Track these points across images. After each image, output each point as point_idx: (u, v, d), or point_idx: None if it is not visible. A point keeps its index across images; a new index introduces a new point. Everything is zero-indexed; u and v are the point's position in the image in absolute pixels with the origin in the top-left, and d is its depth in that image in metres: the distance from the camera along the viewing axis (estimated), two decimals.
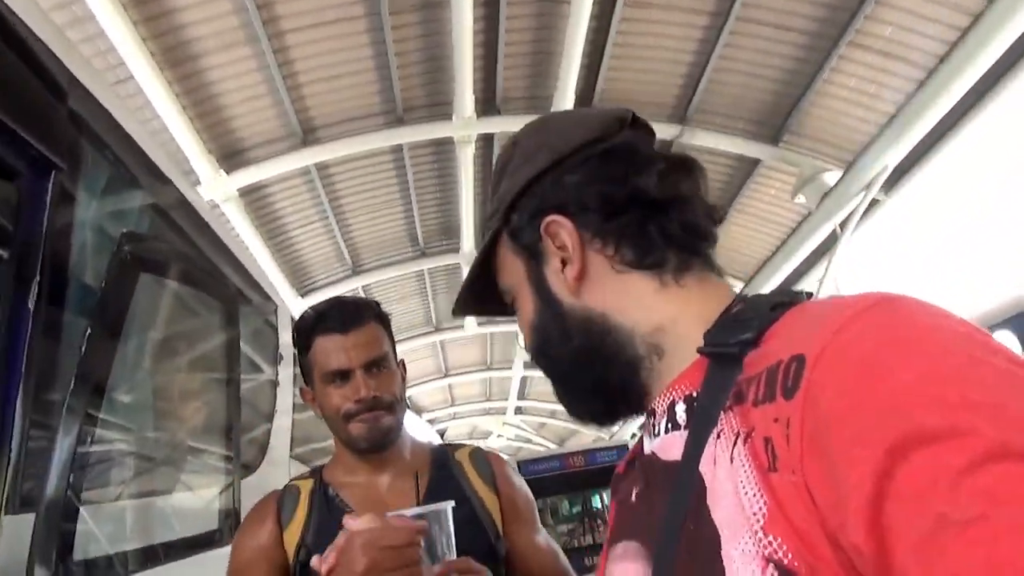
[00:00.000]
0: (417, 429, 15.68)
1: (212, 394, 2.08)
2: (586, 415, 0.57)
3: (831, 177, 5.64)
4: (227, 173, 5.57)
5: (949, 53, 4.34)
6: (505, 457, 1.15)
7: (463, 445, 1.17)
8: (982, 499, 0.25)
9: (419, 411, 14.35)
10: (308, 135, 5.77)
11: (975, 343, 0.31)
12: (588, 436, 16.37)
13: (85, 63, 1.31)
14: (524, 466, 8.74)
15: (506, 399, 14.40)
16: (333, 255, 7.71)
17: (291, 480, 1.12)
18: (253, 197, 6.21)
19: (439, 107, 5.78)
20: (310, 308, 1.12)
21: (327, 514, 1.02)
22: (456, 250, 7.81)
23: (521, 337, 0.60)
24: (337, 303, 1.10)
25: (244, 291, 2.46)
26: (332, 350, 1.02)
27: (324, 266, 7.83)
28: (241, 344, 2.34)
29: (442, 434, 16.67)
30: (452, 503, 0.88)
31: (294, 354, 2.28)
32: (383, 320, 1.11)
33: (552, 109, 5.70)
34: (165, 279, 1.65)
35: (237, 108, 5.26)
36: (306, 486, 1.08)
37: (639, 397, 0.51)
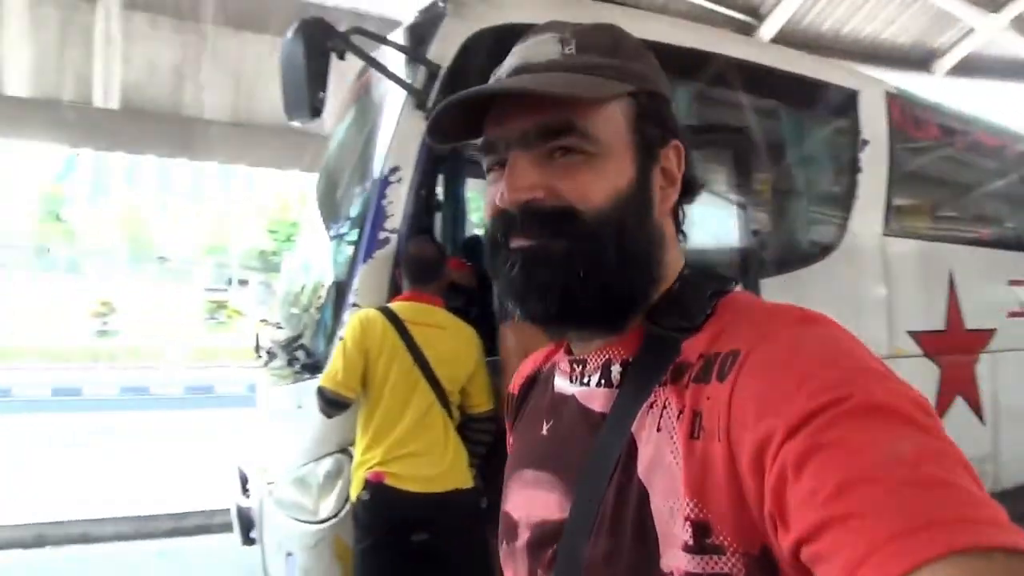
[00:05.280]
0: None
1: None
2: (575, 314, 0.50)
3: None
4: None
5: None
6: None
7: None
8: (839, 434, 0.34)
9: None
10: None
11: (856, 354, 0.40)
12: None
13: None
14: None
15: None
16: None
17: None
18: None
19: None
20: None
21: None
22: None
23: None
24: None
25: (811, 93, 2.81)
26: None
27: None
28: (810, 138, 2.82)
29: None
30: None
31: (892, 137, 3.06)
32: None
33: None
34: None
35: None
36: None
37: (618, 328, 0.52)
